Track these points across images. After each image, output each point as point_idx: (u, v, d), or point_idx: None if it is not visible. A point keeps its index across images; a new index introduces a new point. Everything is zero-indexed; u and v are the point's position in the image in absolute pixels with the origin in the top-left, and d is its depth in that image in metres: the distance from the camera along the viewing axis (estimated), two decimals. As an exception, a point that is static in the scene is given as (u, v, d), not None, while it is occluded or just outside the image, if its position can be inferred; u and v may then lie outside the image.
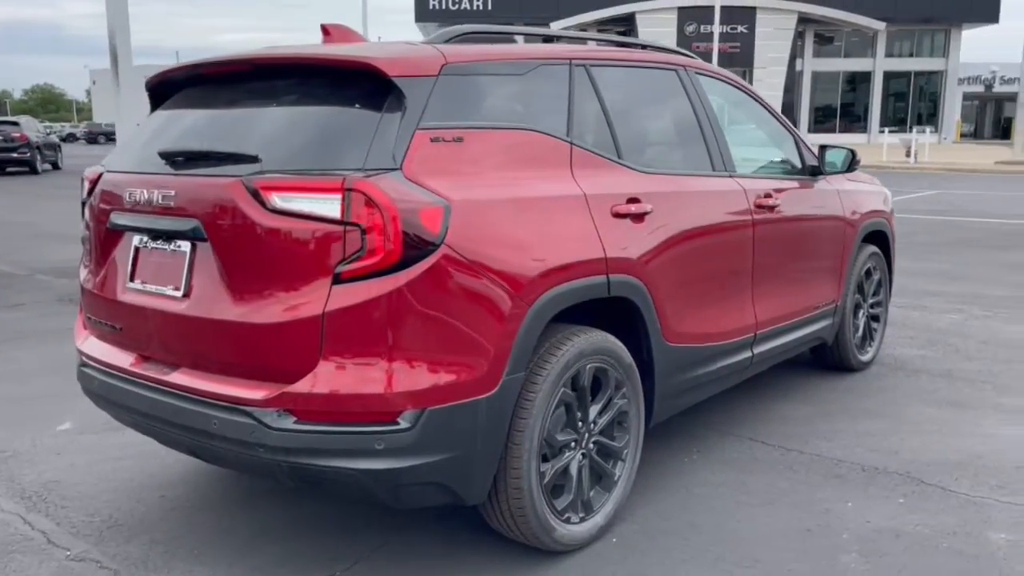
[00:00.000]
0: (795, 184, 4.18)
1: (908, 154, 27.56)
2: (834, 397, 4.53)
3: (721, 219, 3.54)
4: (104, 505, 3.26)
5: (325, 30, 3.10)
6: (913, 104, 47.51)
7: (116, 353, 2.86)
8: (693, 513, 3.16)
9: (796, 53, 43.08)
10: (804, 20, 41.71)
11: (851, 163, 4.32)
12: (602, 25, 44.81)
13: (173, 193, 2.61)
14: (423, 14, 43.52)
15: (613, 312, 2.99)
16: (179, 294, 2.61)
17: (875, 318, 5.10)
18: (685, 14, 41.50)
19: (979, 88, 51.88)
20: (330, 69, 2.62)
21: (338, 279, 2.31)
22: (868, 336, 5.03)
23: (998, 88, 51.19)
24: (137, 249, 2.80)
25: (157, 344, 2.72)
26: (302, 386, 2.34)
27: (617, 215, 2.95)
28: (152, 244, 2.74)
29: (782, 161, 4.33)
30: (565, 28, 43.94)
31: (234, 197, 2.45)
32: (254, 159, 2.48)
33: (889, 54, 46.07)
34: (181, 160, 2.68)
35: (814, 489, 3.36)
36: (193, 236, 2.57)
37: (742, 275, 3.68)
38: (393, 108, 2.45)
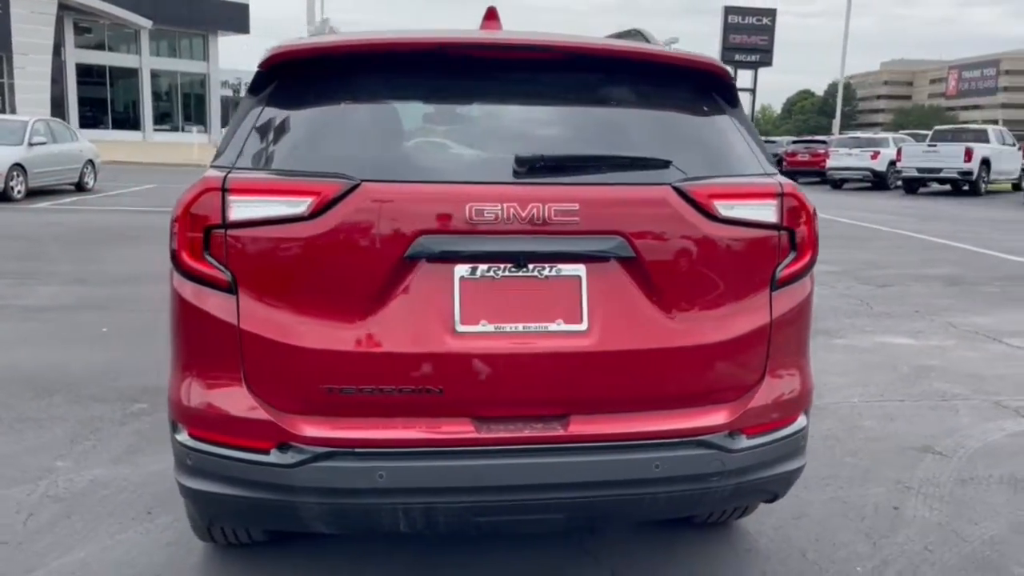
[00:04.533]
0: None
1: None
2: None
3: None
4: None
5: (491, 14, 2.86)
6: (181, 104, 48.78)
7: (421, 425, 2.16)
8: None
9: (61, 42, 39.65)
10: (64, 7, 38.56)
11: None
12: None
13: (576, 207, 2.14)
14: None
15: None
16: (580, 328, 2.18)
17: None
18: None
19: (230, 92, 55.98)
20: (664, 68, 2.43)
21: (775, 284, 2.33)
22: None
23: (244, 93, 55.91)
24: (463, 280, 2.15)
25: (523, 395, 2.20)
26: (756, 400, 2.32)
27: None
28: (506, 272, 2.16)
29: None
30: None
31: (675, 207, 2.22)
32: (663, 164, 2.26)
33: (155, 53, 46.18)
34: (540, 167, 2.18)
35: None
36: (598, 256, 2.18)
37: None
38: (732, 112, 2.47)
